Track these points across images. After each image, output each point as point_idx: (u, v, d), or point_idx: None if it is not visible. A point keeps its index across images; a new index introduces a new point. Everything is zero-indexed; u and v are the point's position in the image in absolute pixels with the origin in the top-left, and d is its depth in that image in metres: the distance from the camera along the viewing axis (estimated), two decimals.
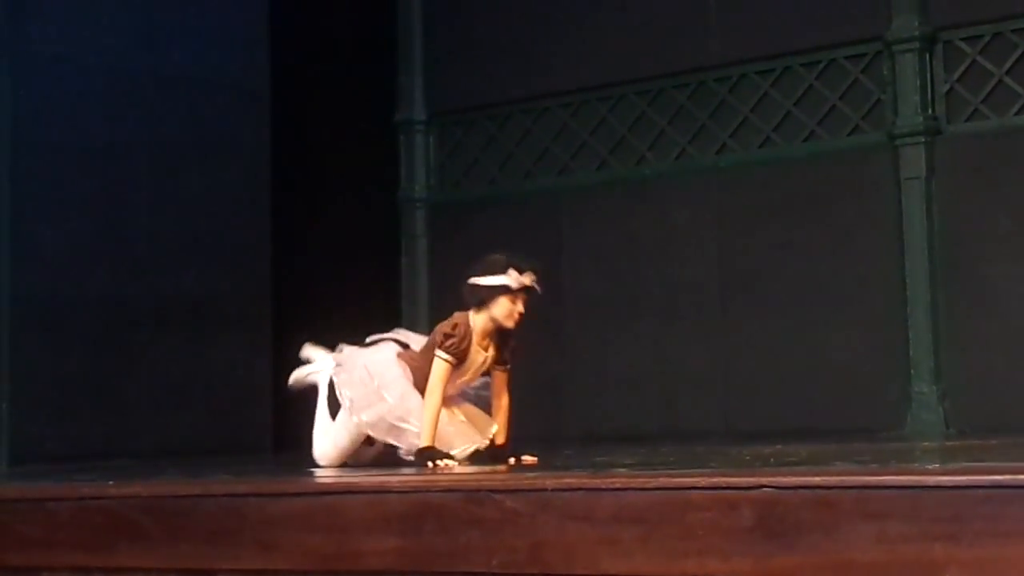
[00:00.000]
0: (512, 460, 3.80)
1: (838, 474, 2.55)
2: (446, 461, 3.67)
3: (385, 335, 4.10)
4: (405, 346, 4.05)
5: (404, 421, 3.83)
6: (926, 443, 4.79)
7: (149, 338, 5.97)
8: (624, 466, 3.29)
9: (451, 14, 7.32)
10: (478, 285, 3.76)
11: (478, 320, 3.80)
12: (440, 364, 3.75)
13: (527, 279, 3.75)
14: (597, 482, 2.70)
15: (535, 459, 3.78)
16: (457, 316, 3.82)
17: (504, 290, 3.73)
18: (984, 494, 2.35)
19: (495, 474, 3.28)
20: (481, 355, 3.84)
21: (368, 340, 4.11)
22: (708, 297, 6.45)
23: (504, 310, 3.75)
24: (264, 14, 6.57)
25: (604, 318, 6.72)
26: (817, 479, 2.49)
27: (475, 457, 3.83)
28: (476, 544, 2.74)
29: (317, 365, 4.13)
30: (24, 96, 5.68)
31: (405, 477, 3.28)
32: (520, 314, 3.78)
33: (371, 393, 3.87)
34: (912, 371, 5.91)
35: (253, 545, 3.01)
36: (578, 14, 6.91)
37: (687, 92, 6.63)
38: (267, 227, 6.44)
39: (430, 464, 3.66)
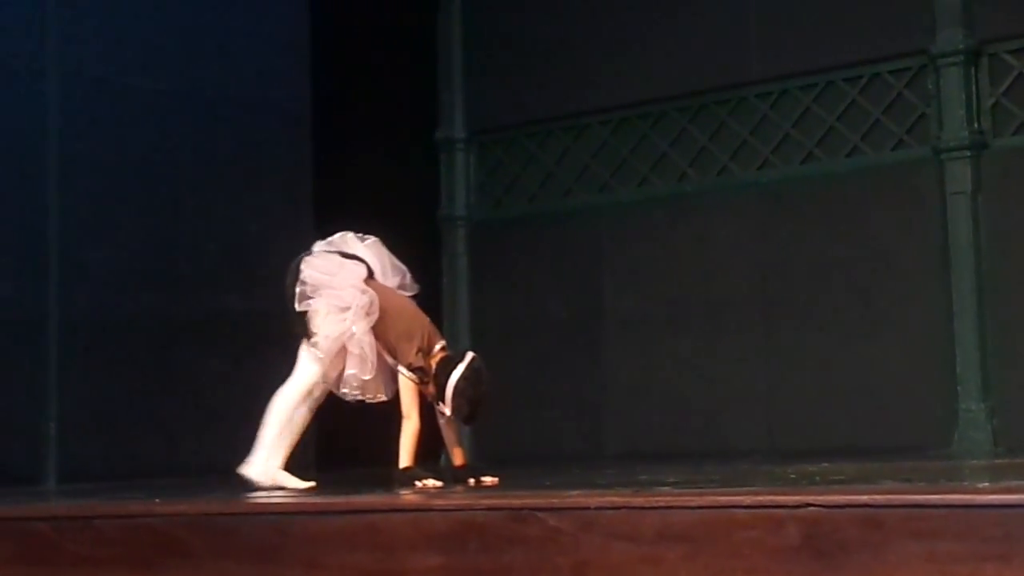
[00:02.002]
0: (472, 481, 3.98)
1: (886, 492, 2.52)
2: (430, 481, 3.84)
3: (343, 249, 4.34)
4: (370, 271, 4.27)
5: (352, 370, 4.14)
6: (975, 461, 4.72)
7: (194, 357, 6.03)
8: (668, 484, 3.27)
9: (491, 33, 7.35)
10: (449, 374, 3.95)
11: (433, 362, 4.08)
12: (408, 384, 4.05)
13: (450, 411, 3.99)
14: (641, 500, 2.68)
15: (495, 479, 3.96)
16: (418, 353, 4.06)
17: (442, 395, 3.99)
18: None
19: (539, 492, 3.28)
20: None
21: (326, 248, 4.39)
22: (751, 314, 6.41)
23: (428, 391, 4.05)
24: (305, 35, 6.63)
25: (645, 335, 6.69)
26: (864, 497, 2.46)
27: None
28: (519, 563, 2.73)
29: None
30: (71, 119, 5.77)
31: (448, 496, 3.28)
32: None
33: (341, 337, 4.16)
34: (959, 388, 5.84)
35: (297, 563, 3.02)
36: (618, 32, 6.91)
37: (728, 108, 6.61)
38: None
39: (418, 484, 3.83)
